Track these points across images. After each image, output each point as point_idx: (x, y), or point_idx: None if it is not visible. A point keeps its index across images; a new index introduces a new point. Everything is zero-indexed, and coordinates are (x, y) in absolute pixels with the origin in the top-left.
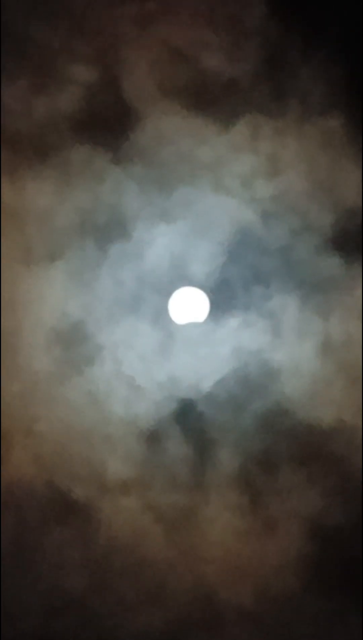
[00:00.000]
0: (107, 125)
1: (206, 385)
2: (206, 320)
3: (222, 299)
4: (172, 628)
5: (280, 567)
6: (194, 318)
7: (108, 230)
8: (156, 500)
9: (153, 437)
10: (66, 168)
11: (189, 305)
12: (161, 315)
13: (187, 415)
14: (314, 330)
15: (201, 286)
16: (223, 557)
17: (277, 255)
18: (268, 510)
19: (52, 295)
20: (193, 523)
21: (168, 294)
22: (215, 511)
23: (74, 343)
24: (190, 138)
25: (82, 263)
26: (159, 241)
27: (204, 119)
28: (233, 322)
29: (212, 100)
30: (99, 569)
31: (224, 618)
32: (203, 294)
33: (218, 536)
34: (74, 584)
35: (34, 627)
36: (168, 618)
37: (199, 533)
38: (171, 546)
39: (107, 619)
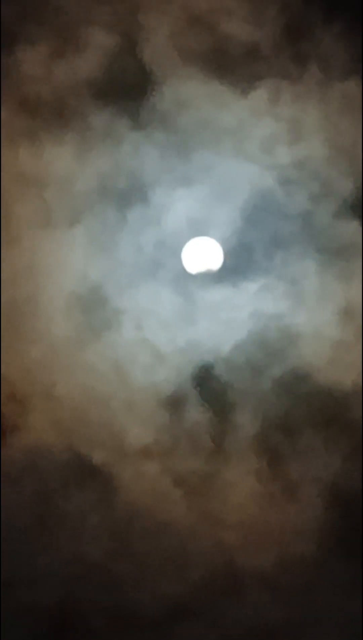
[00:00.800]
0: (127, 90)
1: (226, 349)
2: (225, 284)
3: (241, 263)
4: (192, 592)
5: (299, 532)
6: (207, 267)
7: (127, 195)
8: (174, 464)
9: (172, 402)
10: (85, 133)
11: (202, 255)
12: (180, 279)
13: (206, 379)
14: (334, 295)
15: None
16: (242, 521)
17: (297, 221)
18: (287, 474)
19: (72, 260)
20: (212, 488)
21: (187, 259)
22: (235, 475)
23: (93, 307)
24: (210, 103)
25: (101, 228)
26: (178, 206)
27: (224, 84)
28: (252, 287)
29: (232, 65)
30: (120, 534)
31: (244, 583)
32: (217, 244)
33: (238, 500)
34: (94, 549)
35: (54, 592)
36: (188, 582)
37: (219, 497)
38: (191, 511)
39: (128, 584)
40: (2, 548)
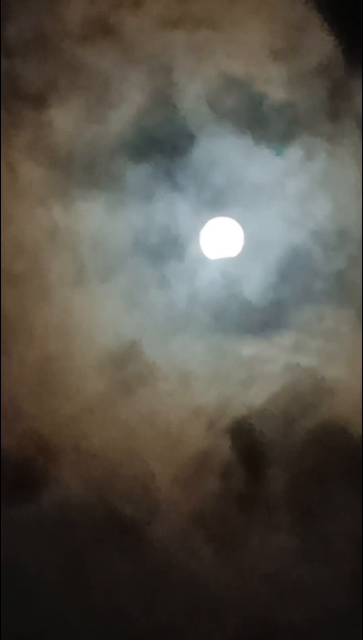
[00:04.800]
0: (160, 147)
1: (258, 402)
2: (259, 338)
3: (275, 318)
4: None
5: (333, 587)
6: (227, 252)
7: (161, 250)
8: (207, 519)
9: (205, 456)
10: (118, 189)
11: (221, 238)
12: (213, 334)
13: (240, 432)
14: None
15: (253, 306)
16: (275, 575)
17: (331, 278)
18: (320, 528)
19: (105, 316)
20: (245, 541)
21: (221, 314)
22: (268, 529)
23: (126, 363)
24: (243, 159)
25: (134, 283)
26: (212, 261)
27: (258, 140)
28: (286, 341)
29: (266, 121)
30: (152, 588)
31: (277, 638)
32: (237, 225)
33: (271, 554)
34: (127, 603)
35: None
36: (221, 636)
37: (252, 552)
38: (224, 565)
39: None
40: (33, 604)
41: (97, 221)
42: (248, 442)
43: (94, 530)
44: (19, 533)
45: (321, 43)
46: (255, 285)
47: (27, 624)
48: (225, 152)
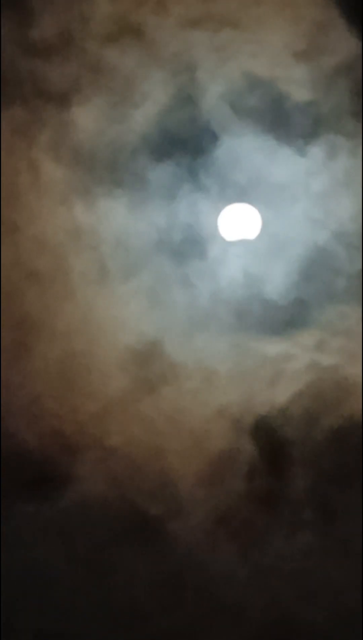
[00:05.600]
0: (182, 145)
1: (280, 400)
2: (282, 336)
3: (297, 316)
4: None
5: (355, 586)
6: (245, 235)
7: (184, 249)
8: (229, 517)
9: (228, 454)
10: (140, 187)
11: (239, 222)
12: (236, 333)
13: (263, 431)
14: None
15: (275, 305)
16: (297, 574)
17: (353, 276)
18: (342, 527)
19: (127, 314)
20: (266, 540)
21: (243, 313)
22: (289, 528)
23: (149, 361)
24: (266, 158)
25: (157, 282)
26: (234, 260)
27: (280, 140)
28: (308, 340)
29: (288, 120)
30: (174, 586)
31: (299, 636)
32: (255, 210)
33: (292, 553)
34: (148, 602)
35: None
36: (242, 635)
37: (273, 550)
38: (246, 563)
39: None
40: (55, 602)
41: (120, 220)
42: (271, 441)
43: (116, 529)
44: (41, 531)
45: (344, 43)
46: (277, 284)
47: (46, 623)
48: (248, 151)
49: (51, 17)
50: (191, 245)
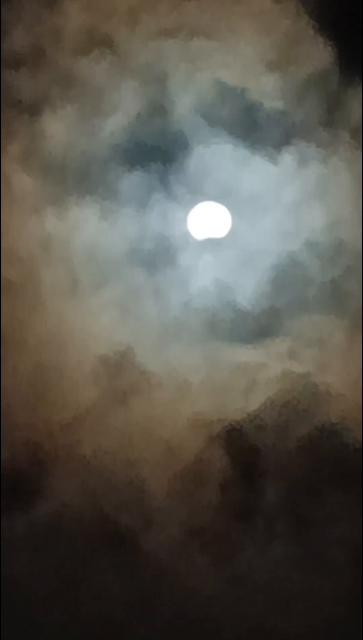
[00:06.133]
0: (153, 154)
1: (252, 408)
2: (254, 345)
3: (268, 325)
4: None
5: (327, 595)
6: (213, 233)
7: (155, 259)
8: (202, 527)
9: (199, 463)
10: (112, 197)
11: (208, 220)
12: (207, 342)
13: (235, 441)
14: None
15: (245, 313)
16: (269, 584)
17: (324, 286)
18: (314, 537)
19: (99, 324)
20: (238, 551)
21: (215, 322)
22: (262, 539)
23: (120, 371)
24: (238, 167)
25: (128, 291)
26: (205, 270)
27: (252, 148)
28: (280, 348)
29: (259, 129)
30: (146, 598)
31: None
32: (225, 209)
33: (264, 564)
34: (119, 613)
35: None
36: None
37: (246, 561)
38: (218, 574)
39: None
40: (26, 613)
41: (91, 230)
42: (243, 449)
43: (88, 540)
44: (14, 543)
45: (316, 53)
46: (248, 294)
47: (21, 634)
48: (219, 160)
49: (22, 29)
50: (162, 255)
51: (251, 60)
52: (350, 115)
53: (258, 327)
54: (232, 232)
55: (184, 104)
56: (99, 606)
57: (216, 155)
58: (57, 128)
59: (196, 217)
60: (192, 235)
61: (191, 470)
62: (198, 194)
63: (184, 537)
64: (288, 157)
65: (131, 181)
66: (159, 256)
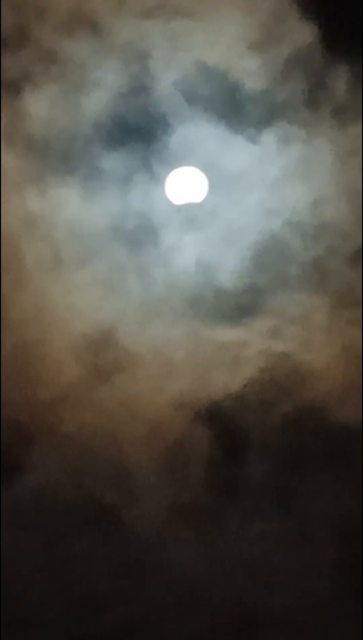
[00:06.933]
0: (135, 132)
1: (235, 387)
2: (235, 324)
3: (250, 303)
4: (204, 632)
5: (311, 570)
6: (191, 198)
7: (137, 237)
8: (184, 503)
9: (182, 441)
10: (94, 175)
11: (186, 185)
12: (190, 320)
13: (217, 419)
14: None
15: (229, 291)
16: (254, 560)
17: (307, 264)
18: (298, 512)
19: (82, 302)
20: (223, 526)
21: (197, 300)
22: (246, 514)
23: (103, 349)
24: (219, 146)
25: (111, 269)
26: (187, 248)
27: (234, 128)
28: (262, 327)
29: (241, 108)
30: (130, 574)
31: (256, 622)
32: (203, 175)
33: (248, 538)
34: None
35: (64, 634)
36: (199, 623)
37: (230, 536)
38: (203, 550)
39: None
40: (9, 590)
41: (74, 208)
42: (226, 427)
43: (72, 517)
44: None
45: (299, 32)
46: (231, 272)
47: (4, 610)
48: (201, 139)
49: (5, 7)
50: (144, 233)
51: (234, 40)
52: (333, 95)
53: (241, 305)
54: (214, 211)
55: (166, 83)
56: (83, 581)
57: (199, 134)
58: (39, 106)
59: (173, 182)
60: (171, 200)
61: (174, 446)
62: (179, 173)
63: (168, 513)
64: (270, 136)
65: (113, 160)
66: (141, 234)
